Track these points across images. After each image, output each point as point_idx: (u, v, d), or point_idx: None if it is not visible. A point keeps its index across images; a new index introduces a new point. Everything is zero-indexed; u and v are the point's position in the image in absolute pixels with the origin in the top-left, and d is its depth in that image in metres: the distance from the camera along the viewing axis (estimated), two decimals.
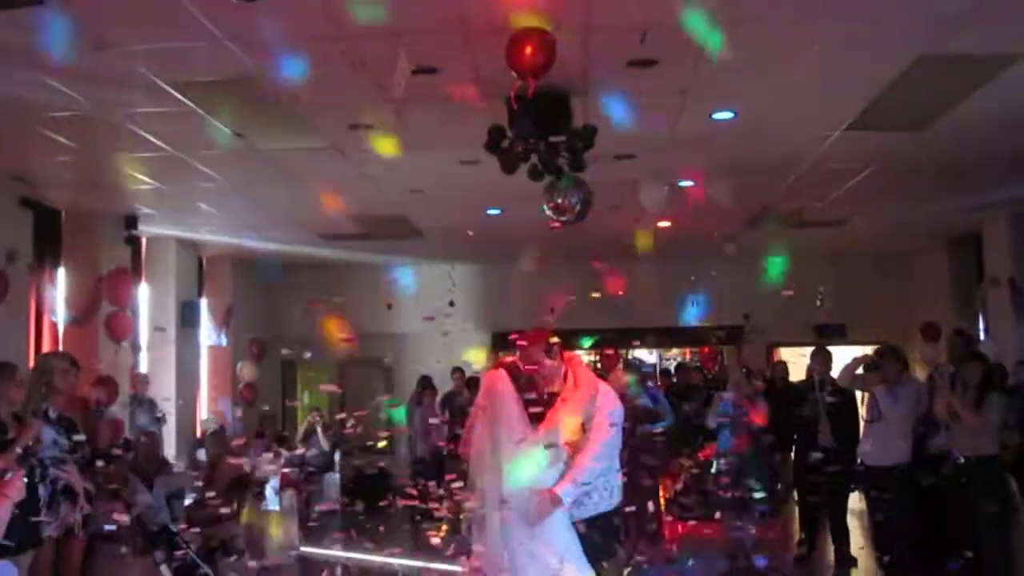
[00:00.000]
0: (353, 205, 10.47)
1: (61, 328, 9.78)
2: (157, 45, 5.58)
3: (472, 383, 13.07)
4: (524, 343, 4.92)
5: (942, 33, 5.61)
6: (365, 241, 12.78)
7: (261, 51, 5.71)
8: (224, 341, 13.79)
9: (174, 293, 12.18)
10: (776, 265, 13.51)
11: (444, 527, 5.37)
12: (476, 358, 13.83)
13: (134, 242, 11.03)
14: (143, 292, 11.78)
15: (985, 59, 6.10)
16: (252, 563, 9.13)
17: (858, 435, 8.72)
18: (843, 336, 14.90)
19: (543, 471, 4.43)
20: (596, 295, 13.45)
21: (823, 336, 14.54)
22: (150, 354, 12.07)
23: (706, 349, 17.31)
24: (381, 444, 13.11)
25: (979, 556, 7.61)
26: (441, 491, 5.46)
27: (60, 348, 9.46)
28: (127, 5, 5.04)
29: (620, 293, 13.17)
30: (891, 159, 8.67)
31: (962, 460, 7.70)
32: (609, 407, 4.79)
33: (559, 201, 7.01)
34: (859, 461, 8.45)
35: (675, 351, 18.23)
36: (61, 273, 9.90)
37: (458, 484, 5.14)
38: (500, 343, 15.51)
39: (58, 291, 9.76)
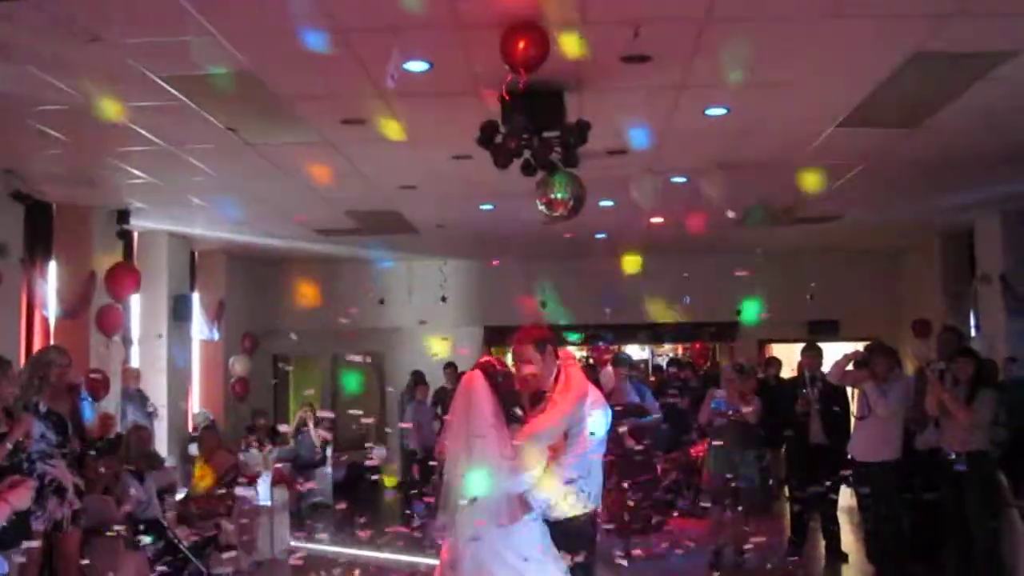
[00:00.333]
0: (345, 200, 10.47)
1: (52, 322, 9.75)
2: (149, 39, 5.56)
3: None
4: (514, 341, 4.88)
5: (936, 30, 5.62)
6: (357, 236, 12.76)
7: (253, 45, 5.69)
8: (216, 335, 13.78)
9: (166, 287, 12.15)
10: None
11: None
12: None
13: (126, 236, 11.00)
14: None
15: (978, 56, 6.10)
16: (243, 558, 9.16)
17: (849, 431, 8.74)
18: (835, 332, 14.95)
19: (510, 479, 4.39)
20: None
21: (815, 332, 14.58)
22: (142, 349, 12.05)
23: (697, 345, 17.34)
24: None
25: (970, 550, 7.64)
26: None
27: (52, 342, 9.44)
28: None
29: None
30: (884, 156, 8.68)
31: (953, 456, 7.72)
32: (595, 412, 4.73)
33: (552, 197, 7.00)
34: (849, 457, 8.46)
35: (667, 347, 18.26)
36: (52, 267, 9.87)
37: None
38: (492, 338, 15.56)
39: (50, 285, 9.73)
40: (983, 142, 8.25)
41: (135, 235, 11.65)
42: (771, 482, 12.80)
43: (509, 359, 4.99)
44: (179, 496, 9.48)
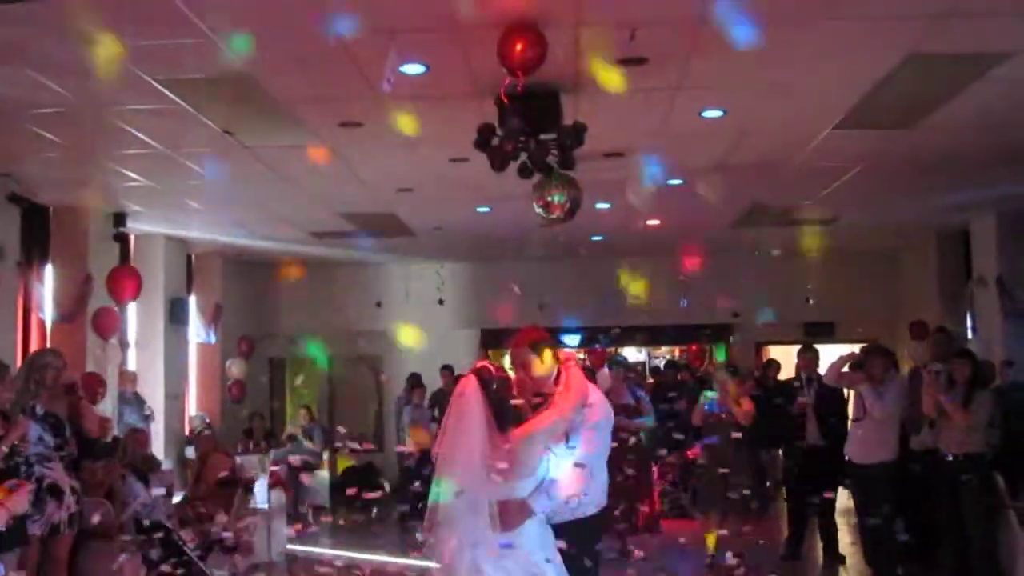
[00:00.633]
0: (343, 203, 10.46)
1: (49, 325, 9.74)
2: (146, 42, 5.56)
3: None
4: (513, 344, 4.87)
5: (931, 31, 5.63)
6: (355, 239, 12.76)
7: (252, 49, 5.69)
8: (213, 338, 13.77)
9: (163, 290, 12.13)
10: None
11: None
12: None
13: (123, 239, 10.99)
14: None
15: (974, 57, 6.11)
16: (240, 561, 9.15)
17: (846, 433, 8.74)
18: (832, 334, 14.96)
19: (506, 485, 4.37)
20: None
21: (812, 334, 14.59)
22: (138, 352, 12.04)
23: (694, 347, 17.35)
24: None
25: (967, 552, 7.65)
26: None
27: (48, 345, 9.43)
28: (116, 2, 5.01)
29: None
30: (880, 157, 8.69)
31: (950, 457, 7.73)
32: (595, 418, 4.67)
33: (549, 199, 7.01)
34: (846, 459, 8.47)
35: (664, 349, 18.26)
36: (49, 270, 9.87)
37: None
38: (489, 340, 15.56)
39: (46, 288, 9.72)
40: (979, 143, 8.25)
41: (132, 238, 11.64)
42: (768, 484, 12.82)
43: (506, 362, 4.99)
44: (176, 499, 9.46)
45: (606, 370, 9.95)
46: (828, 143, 8.11)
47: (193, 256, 13.49)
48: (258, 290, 15.76)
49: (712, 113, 7.31)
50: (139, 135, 7.46)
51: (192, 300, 13.40)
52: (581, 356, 15.50)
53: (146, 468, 8.83)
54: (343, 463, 15.16)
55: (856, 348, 9.12)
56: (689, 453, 11.35)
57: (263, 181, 9.13)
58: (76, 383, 7.63)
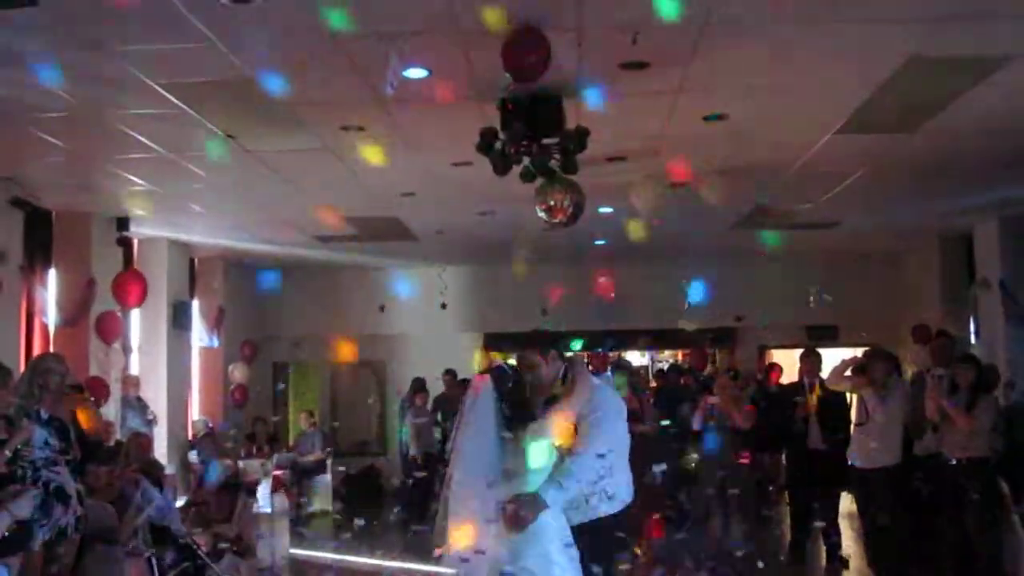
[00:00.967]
0: (345, 207, 10.47)
1: (52, 330, 9.75)
2: (148, 46, 5.58)
3: (466, 384, 13.08)
4: (519, 347, 4.91)
5: (934, 35, 5.63)
6: (358, 243, 12.77)
7: (253, 52, 5.70)
8: (216, 343, 13.77)
9: (165, 294, 12.13)
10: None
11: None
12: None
13: (126, 243, 11.01)
14: None
15: (976, 60, 6.11)
16: (243, 566, 9.15)
17: (848, 437, 8.74)
18: (834, 338, 14.95)
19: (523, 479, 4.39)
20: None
21: (814, 338, 14.59)
22: (141, 356, 12.05)
23: (697, 351, 17.32)
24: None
25: (970, 556, 7.64)
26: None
27: (51, 349, 9.44)
28: (118, 6, 5.02)
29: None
30: (882, 161, 8.69)
31: (953, 462, 7.73)
32: (604, 407, 4.74)
33: (551, 203, 7.02)
34: (849, 463, 8.46)
35: (667, 353, 18.26)
36: (52, 274, 9.88)
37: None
38: (492, 344, 15.57)
39: (49, 292, 9.73)
40: (981, 147, 8.25)
41: (135, 242, 11.66)
42: (770, 488, 12.81)
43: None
44: (179, 503, 9.46)
45: (609, 374, 9.95)
46: (830, 147, 8.10)
47: (196, 260, 13.50)
48: (261, 294, 15.76)
49: (713, 117, 7.30)
50: (142, 139, 7.47)
51: (195, 304, 13.40)
52: (584, 361, 15.54)
53: (155, 472, 8.83)
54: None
55: (859, 352, 9.11)
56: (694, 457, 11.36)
57: (266, 185, 9.14)
58: (83, 384, 7.66)
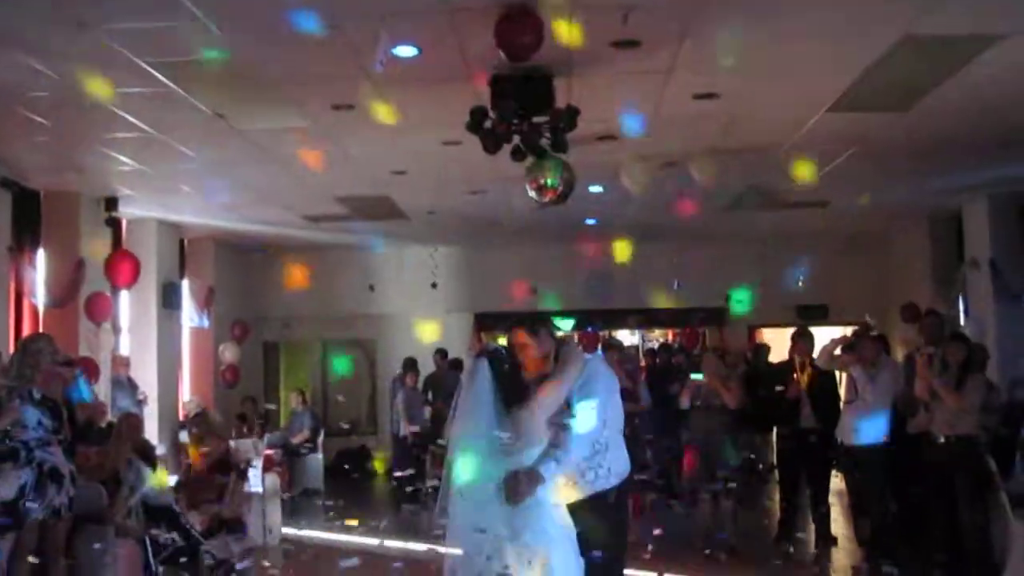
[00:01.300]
0: (335, 186, 10.44)
1: (41, 310, 9.72)
2: (137, 24, 5.53)
3: (456, 364, 13.11)
4: (510, 327, 4.91)
5: (924, 14, 5.62)
6: (348, 222, 12.74)
7: (242, 31, 5.67)
8: (206, 323, 13.75)
9: (155, 275, 12.10)
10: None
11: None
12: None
13: (115, 224, 10.96)
14: None
15: (966, 40, 6.11)
16: (234, 544, 9.16)
17: (838, 415, 8.76)
18: (825, 317, 15.00)
19: (512, 456, 4.40)
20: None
21: (804, 317, 14.62)
22: (131, 336, 12.03)
23: (688, 330, 17.35)
24: None
25: (958, 534, 7.68)
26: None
27: (41, 330, 9.42)
28: None
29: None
30: (873, 140, 8.70)
31: (941, 440, 7.76)
32: (595, 378, 4.76)
33: (542, 182, 7.00)
34: (838, 441, 8.50)
35: (657, 332, 18.28)
36: (41, 255, 9.84)
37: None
38: (483, 324, 15.59)
39: (38, 273, 9.70)
40: (971, 126, 8.26)
41: (124, 223, 11.61)
42: (760, 466, 12.86)
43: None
44: (170, 483, 9.46)
45: (600, 353, 9.97)
46: (821, 126, 8.10)
47: (185, 240, 13.45)
48: (251, 274, 15.74)
49: (704, 96, 7.29)
50: (129, 118, 7.43)
51: (185, 284, 13.37)
52: (575, 340, 15.56)
53: (149, 453, 8.83)
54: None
55: (848, 331, 9.13)
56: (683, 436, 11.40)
57: (255, 164, 9.10)
58: (74, 360, 7.64)
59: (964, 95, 7.22)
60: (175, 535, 7.85)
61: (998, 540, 7.66)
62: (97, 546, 7.14)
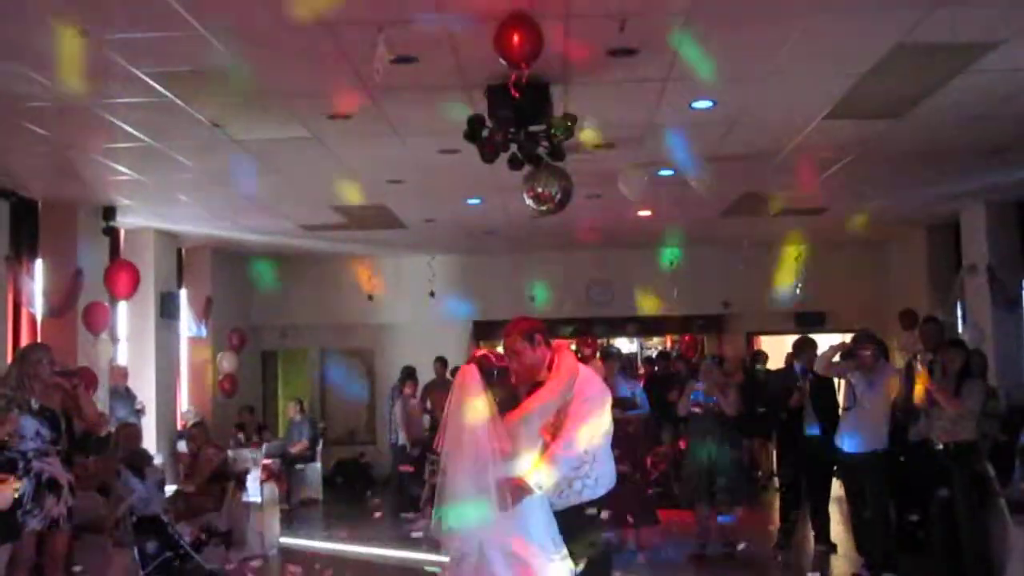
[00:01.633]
0: (334, 196, 10.45)
1: (39, 320, 9.72)
2: (135, 35, 5.55)
3: (456, 373, 13.09)
4: (505, 333, 4.90)
5: (919, 21, 5.64)
6: (346, 232, 12.75)
7: (240, 41, 5.68)
8: (204, 332, 13.73)
9: (153, 284, 12.10)
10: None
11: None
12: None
13: (113, 233, 10.96)
14: None
15: (962, 47, 6.13)
16: (233, 554, 9.16)
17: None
18: (822, 324, 15.00)
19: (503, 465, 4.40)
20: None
21: (802, 324, 14.63)
22: (130, 346, 12.02)
23: (688, 337, 17.38)
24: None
25: (957, 541, 7.68)
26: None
27: (39, 340, 9.41)
28: None
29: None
30: (869, 147, 8.71)
31: (940, 446, 7.76)
32: (587, 392, 4.71)
33: (539, 190, 7.01)
34: (837, 448, 8.49)
35: (656, 340, 18.30)
36: (39, 265, 9.84)
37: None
38: (481, 333, 15.58)
39: (36, 283, 9.69)
40: (968, 133, 8.27)
41: (122, 232, 11.61)
42: (758, 473, 12.86)
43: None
44: (168, 493, 9.45)
45: (598, 361, 9.96)
46: (817, 133, 8.12)
47: (183, 249, 13.45)
48: (249, 283, 15.74)
49: (701, 104, 7.31)
50: (128, 128, 7.43)
51: (183, 294, 13.36)
52: (573, 347, 15.56)
53: (138, 463, 8.82)
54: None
55: (847, 338, 9.13)
56: (682, 443, 11.39)
57: (253, 174, 9.10)
58: (75, 370, 7.63)
59: (959, 102, 7.24)
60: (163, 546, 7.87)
61: (997, 547, 7.66)
62: (94, 556, 7.15)
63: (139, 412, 11.01)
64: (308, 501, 13.56)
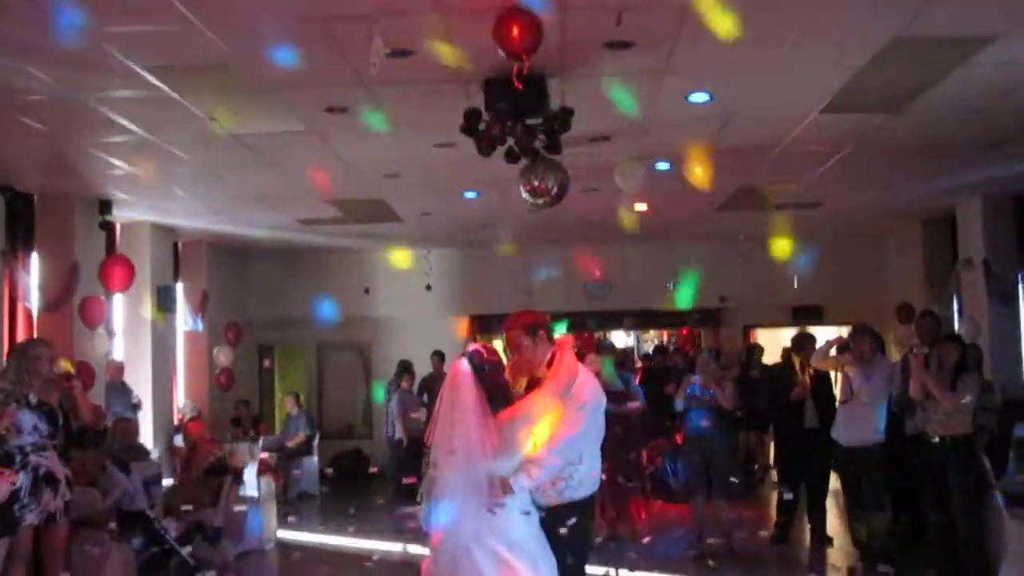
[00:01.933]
0: (330, 189, 10.44)
1: (35, 314, 9.70)
2: (130, 28, 5.53)
3: None
4: (506, 326, 4.88)
5: (916, 15, 5.63)
6: (342, 225, 12.73)
7: (236, 35, 5.67)
8: (200, 326, 13.72)
9: (150, 278, 12.08)
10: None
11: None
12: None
13: (108, 227, 10.94)
14: None
15: (960, 41, 6.12)
16: (230, 548, 9.17)
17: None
18: (819, 318, 15.02)
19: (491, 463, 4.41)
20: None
21: (798, 317, 14.65)
22: (126, 340, 12.00)
23: (685, 331, 17.39)
24: None
25: (953, 534, 7.69)
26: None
27: (35, 334, 9.40)
28: None
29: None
30: (866, 141, 8.71)
31: (936, 440, 7.77)
32: (583, 398, 4.66)
33: (536, 184, 7.00)
34: (833, 441, 8.50)
35: (652, 333, 18.32)
36: (35, 259, 9.82)
37: None
38: (478, 327, 15.58)
39: (32, 277, 9.68)
40: (965, 127, 8.27)
41: (118, 226, 11.59)
42: (756, 466, 12.88)
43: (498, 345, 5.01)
44: (165, 487, 9.45)
45: (594, 356, 9.95)
46: (814, 127, 8.12)
47: (179, 244, 13.43)
48: (245, 277, 15.73)
49: (698, 97, 7.30)
50: (123, 122, 7.41)
51: (179, 288, 13.35)
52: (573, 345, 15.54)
53: (134, 457, 8.82)
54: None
55: (844, 331, 9.15)
56: (678, 437, 11.41)
57: (249, 168, 9.09)
58: (72, 372, 7.63)
59: (956, 96, 7.23)
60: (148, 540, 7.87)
61: (993, 540, 7.67)
62: (92, 550, 7.16)
63: (135, 406, 11.00)
64: (305, 495, 13.57)
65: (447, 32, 5.70)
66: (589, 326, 15.53)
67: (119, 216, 11.19)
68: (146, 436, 10.98)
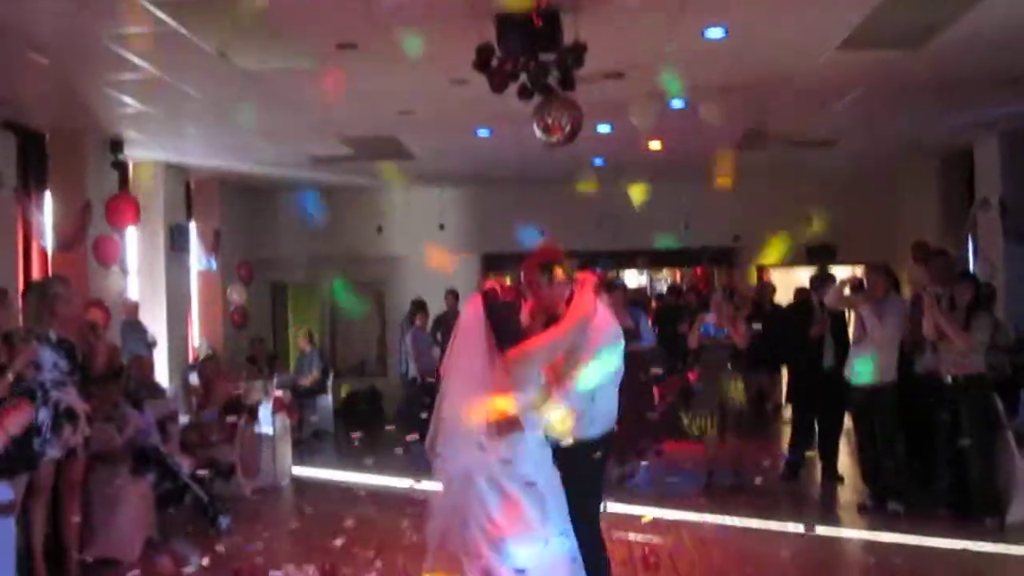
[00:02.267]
0: (341, 126, 10.39)
1: (50, 253, 9.73)
2: None
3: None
4: (523, 265, 4.86)
5: None
6: (354, 163, 12.68)
7: None
8: (213, 265, 13.75)
9: (163, 217, 12.09)
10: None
11: None
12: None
13: (121, 166, 10.92)
14: None
15: None
16: (246, 484, 9.29)
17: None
18: (833, 257, 14.93)
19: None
20: None
21: (813, 257, 14.57)
22: (140, 279, 12.05)
23: (700, 270, 17.33)
24: None
25: (964, 472, 7.73)
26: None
27: (50, 273, 9.44)
28: None
29: None
30: (883, 78, 8.60)
31: (949, 379, 7.77)
32: (597, 341, 4.66)
33: (549, 121, 6.93)
34: (846, 380, 8.51)
35: (665, 272, 18.27)
36: (47, 197, 9.82)
37: None
38: (490, 265, 15.57)
39: (45, 216, 9.69)
40: (984, 64, 8.16)
41: (130, 165, 11.56)
42: (769, 405, 12.92)
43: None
44: (181, 425, 9.55)
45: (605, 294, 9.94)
46: (831, 63, 8.01)
47: (192, 182, 13.41)
48: (257, 215, 15.72)
49: (714, 32, 7.20)
50: (134, 59, 7.36)
51: (192, 227, 13.36)
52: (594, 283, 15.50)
53: (149, 395, 8.90)
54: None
55: (858, 271, 9.12)
56: (691, 376, 11.42)
57: (261, 104, 9.04)
58: (96, 322, 7.74)
59: (976, 32, 7.13)
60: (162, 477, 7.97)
61: (1004, 478, 7.71)
62: (108, 485, 7.26)
63: (151, 345, 11.07)
64: (320, 432, 13.70)
65: None
66: (600, 265, 15.50)
67: (131, 155, 11.16)
68: (161, 374, 11.07)
